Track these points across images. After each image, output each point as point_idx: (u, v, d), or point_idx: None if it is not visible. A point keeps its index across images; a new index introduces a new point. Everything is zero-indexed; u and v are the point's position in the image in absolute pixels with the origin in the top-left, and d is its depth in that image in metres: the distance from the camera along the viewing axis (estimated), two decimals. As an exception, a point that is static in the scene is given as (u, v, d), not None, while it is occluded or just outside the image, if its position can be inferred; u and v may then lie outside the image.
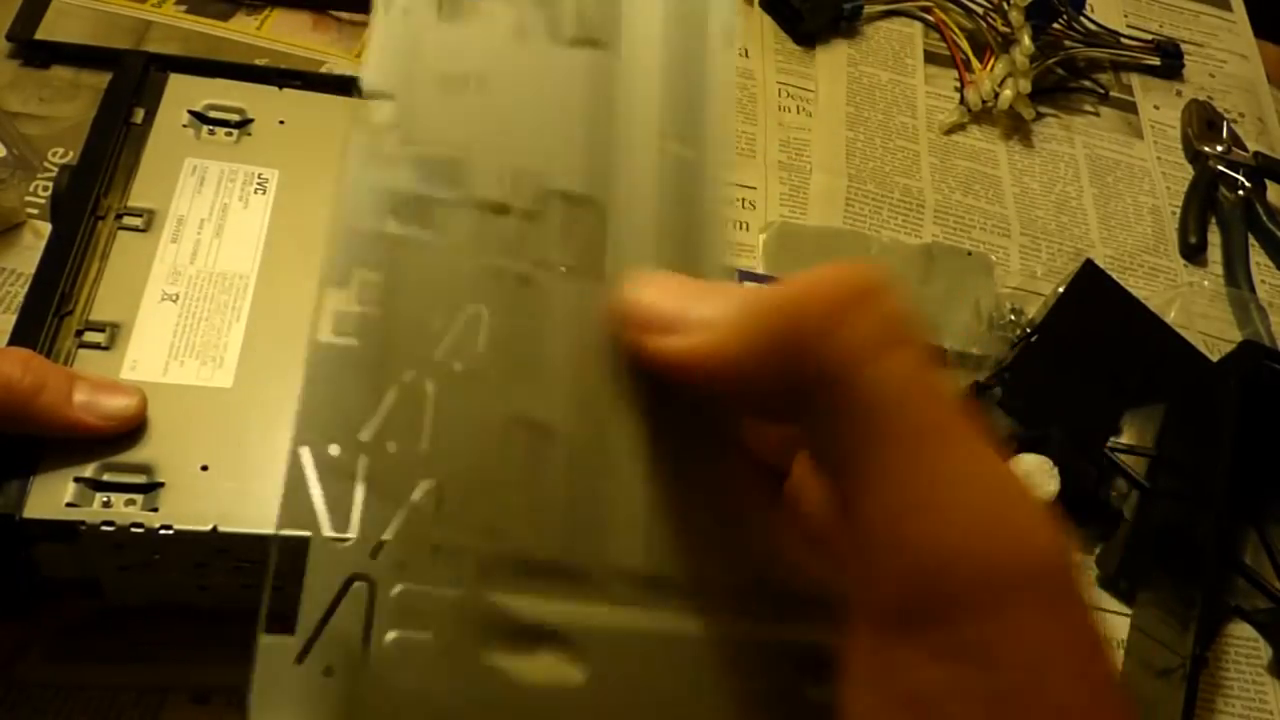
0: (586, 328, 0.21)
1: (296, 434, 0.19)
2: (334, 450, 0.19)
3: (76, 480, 0.35)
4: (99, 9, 0.61)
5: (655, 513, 0.20)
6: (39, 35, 0.58)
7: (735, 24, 0.24)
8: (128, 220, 0.42)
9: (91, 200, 0.41)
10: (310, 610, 0.18)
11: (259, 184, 0.44)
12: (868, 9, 0.75)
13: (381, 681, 0.18)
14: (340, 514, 0.19)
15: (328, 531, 0.18)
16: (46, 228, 0.45)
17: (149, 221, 0.42)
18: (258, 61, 0.59)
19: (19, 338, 0.37)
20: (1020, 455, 0.52)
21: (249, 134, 0.46)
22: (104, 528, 0.34)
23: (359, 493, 0.19)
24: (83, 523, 0.34)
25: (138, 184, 0.43)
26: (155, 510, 0.35)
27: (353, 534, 0.18)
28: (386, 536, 0.19)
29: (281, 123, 0.47)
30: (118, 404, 0.36)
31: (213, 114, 0.46)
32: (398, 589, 0.18)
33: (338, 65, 0.61)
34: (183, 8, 0.62)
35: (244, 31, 0.62)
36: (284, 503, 0.19)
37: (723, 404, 0.21)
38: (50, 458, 0.35)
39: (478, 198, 0.21)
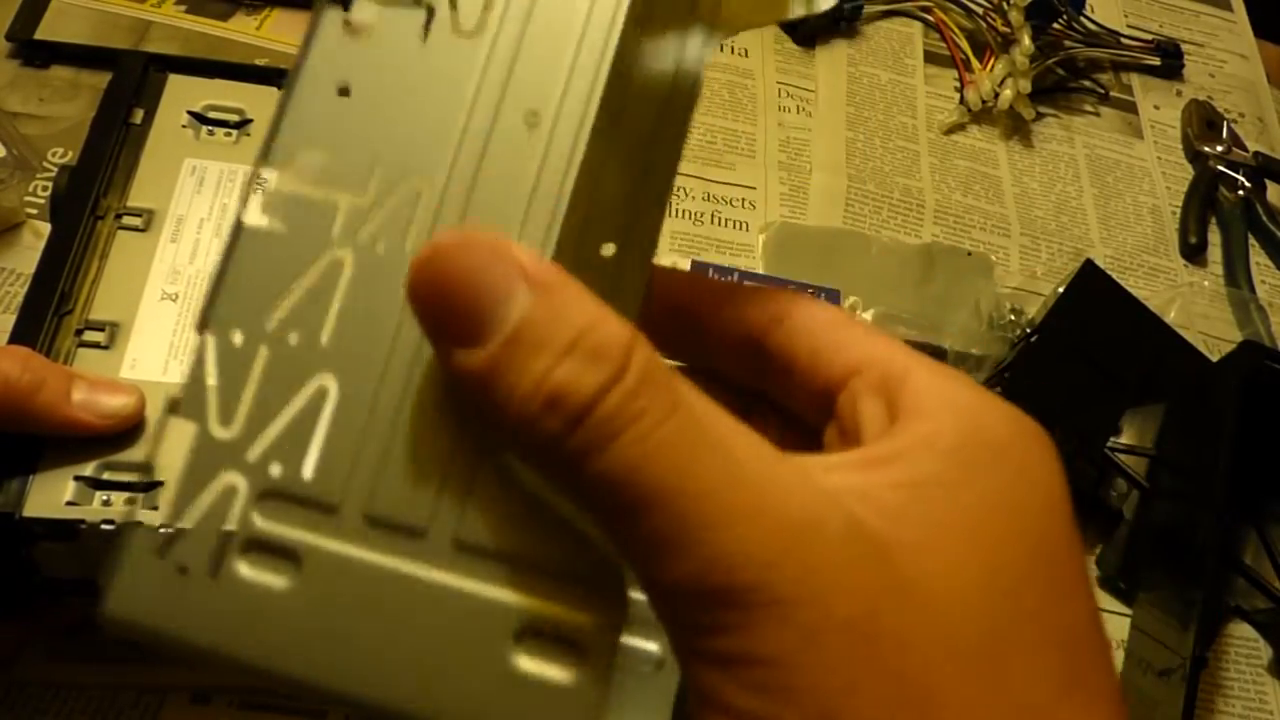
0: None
1: (201, 318, 0.21)
2: (237, 339, 0.21)
3: (76, 479, 0.35)
4: (99, 9, 0.61)
5: (420, 468, 0.22)
6: (39, 35, 0.58)
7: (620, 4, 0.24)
8: (127, 220, 0.42)
9: (91, 200, 0.42)
10: (179, 504, 0.20)
11: (258, 184, 0.44)
12: (868, 9, 0.75)
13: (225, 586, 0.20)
14: (229, 407, 0.21)
15: (213, 426, 0.21)
16: (46, 228, 0.45)
17: (148, 221, 0.42)
18: (257, 61, 0.59)
19: (18, 337, 0.38)
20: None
21: (248, 134, 0.46)
22: (103, 526, 0.34)
23: (250, 388, 0.21)
24: (82, 521, 0.34)
25: (137, 184, 0.43)
26: (155, 509, 0.35)
27: (235, 431, 0.21)
28: (259, 443, 0.21)
29: (281, 122, 0.47)
30: (116, 402, 0.36)
31: (212, 114, 0.46)
32: (261, 492, 0.21)
33: (337, 65, 0.61)
34: (182, 8, 0.62)
35: (243, 31, 0.62)
36: (184, 389, 0.21)
37: None
38: (50, 456, 0.35)
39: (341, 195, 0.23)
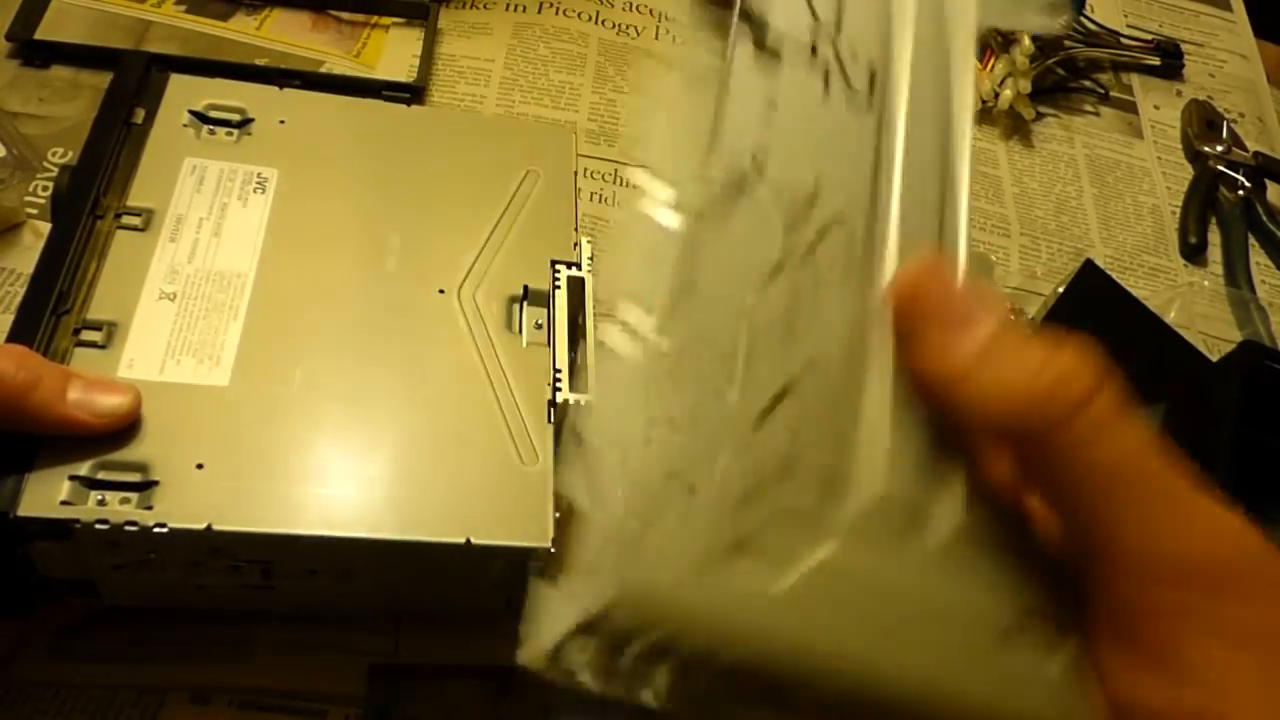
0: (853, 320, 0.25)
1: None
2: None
3: (71, 478, 0.35)
4: (99, 9, 0.61)
5: (888, 467, 0.24)
6: (39, 35, 0.58)
7: (973, 75, 0.29)
8: (126, 219, 0.42)
9: (91, 200, 0.42)
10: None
11: (258, 183, 0.44)
12: (868, 9, 0.75)
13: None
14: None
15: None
16: (46, 228, 0.45)
17: (148, 221, 0.42)
18: (258, 61, 0.60)
19: (16, 336, 0.37)
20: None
21: (249, 134, 0.46)
22: (98, 526, 0.34)
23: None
24: (77, 521, 0.34)
25: (137, 183, 0.43)
26: (150, 509, 0.35)
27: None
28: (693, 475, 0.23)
29: (281, 122, 0.47)
30: (112, 401, 0.36)
31: (213, 114, 0.46)
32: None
33: (337, 65, 0.61)
34: (182, 8, 0.62)
35: (244, 31, 0.62)
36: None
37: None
38: (45, 455, 0.35)
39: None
